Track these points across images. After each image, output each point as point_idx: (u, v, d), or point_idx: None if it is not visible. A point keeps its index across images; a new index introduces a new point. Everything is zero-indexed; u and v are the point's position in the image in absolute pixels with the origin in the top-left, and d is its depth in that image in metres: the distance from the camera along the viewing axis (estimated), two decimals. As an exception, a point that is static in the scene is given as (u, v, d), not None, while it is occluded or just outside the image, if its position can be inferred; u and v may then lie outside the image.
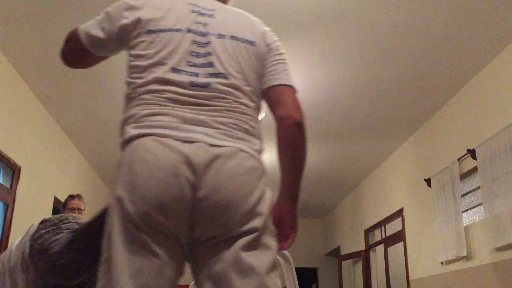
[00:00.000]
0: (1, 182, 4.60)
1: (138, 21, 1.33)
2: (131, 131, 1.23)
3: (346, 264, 9.12)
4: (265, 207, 1.24)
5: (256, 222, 1.21)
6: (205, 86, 1.26)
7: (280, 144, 1.35)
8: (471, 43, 4.11)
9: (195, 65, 1.28)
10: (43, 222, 1.92)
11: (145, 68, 1.29)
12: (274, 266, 1.22)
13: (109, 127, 6.13)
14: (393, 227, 6.87)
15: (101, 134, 6.38)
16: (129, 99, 1.30)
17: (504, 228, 3.93)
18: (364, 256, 7.99)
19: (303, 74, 4.65)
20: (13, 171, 4.82)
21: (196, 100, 1.25)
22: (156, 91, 1.25)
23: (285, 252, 2.52)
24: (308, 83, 4.81)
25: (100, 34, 1.39)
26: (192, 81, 1.26)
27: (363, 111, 5.39)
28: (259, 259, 1.19)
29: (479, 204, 4.61)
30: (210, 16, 1.36)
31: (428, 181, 5.49)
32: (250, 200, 1.20)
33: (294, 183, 1.35)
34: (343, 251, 9.21)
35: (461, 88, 4.89)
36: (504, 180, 3.99)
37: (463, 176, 4.88)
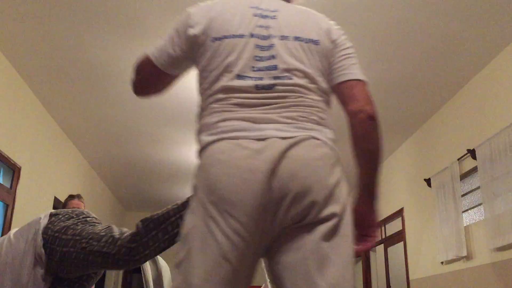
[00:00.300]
0: (1, 182, 4.60)
1: (203, 30, 1.34)
2: (205, 138, 1.27)
3: (346, 264, 9.10)
4: (343, 195, 1.24)
5: (335, 208, 1.21)
6: (270, 88, 1.28)
7: (353, 139, 1.34)
8: (471, 43, 4.11)
9: (259, 70, 1.30)
10: (54, 215, 1.96)
11: (212, 78, 1.31)
12: (351, 256, 1.22)
13: (109, 127, 6.13)
14: (393, 227, 6.87)
15: (101, 134, 6.38)
16: (201, 109, 1.34)
17: (504, 228, 3.93)
18: (364, 256, 7.99)
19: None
20: (13, 171, 4.82)
21: (263, 101, 1.27)
22: (224, 99, 1.28)
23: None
24: (308, 83, 4.81)
25: (172, 50, 1.39)
26: (257, 85, 1.28)
27: (363, 111, 5.38)
28: (338, 250, 1.19)
29: (479, 204, 4.61)
30: (273, 17, 1.36)
31: (428, 181, 5.49)
32: (326, 185, 1.21)
33: (372, 179, 1.33)
34: (343, 251, 9.20)
35: (461, 88, 4.89)
36: (504, 180, 3.99)
37: (463, 176, 4.87)
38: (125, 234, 1.87)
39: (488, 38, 4.05)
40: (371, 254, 7.90)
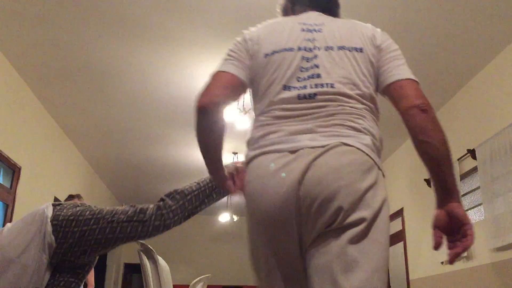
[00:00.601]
0: (1, 182, 4.61)
1: (256, 44, 1.43)
2: (249, 153, 1.36)
3: (346, 264, 9.09)
4: (375, 200, 1.23)
5: (364, 213, 1.20)
6: (311, 97, 1.33)
7: (411, 137, 1.31)
8: (471, 43, 4.11)
9: (303, 79, 1.35)
10: (58, 205, 2.03)
11: (262, 92, 1.39)
12: (382, 262, 1.20)
13: (109, 127, 6.13)
14: (393, 227, 6.87)
15: (101, 134, 6.38)
16: (252, 122, 1.42)
17: (504, 228, 3.93)
18: (364, 256, 7.97)
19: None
20: (13, 171, 4.82)
21: (303, 111, 1.32)
22: (268, 111, 1.35)
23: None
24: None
25: (236, 54, 1.45)
26: (299, 94, 1.33)
27: (363, 111, 5.39)
28: (367, 254, 1.18)
29: (479, 204, 4.61)
30: (318, 31, 1.44)
31: (428, 181, 5.48)
32: (354, 190, 1.20)
33: (444, 175, 1.27)
34: (343, 251, 9.20)
35: (461, 88, 4.89)
36: (504, 180, 4.00)
37: (463, 176, 4.88)
38: (151, 205, 2.05)
39: (488, 38, 4.04)
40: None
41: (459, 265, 4.79)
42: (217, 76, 1.42)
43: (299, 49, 1.39)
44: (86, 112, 5.66)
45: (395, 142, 6.39)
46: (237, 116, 4.94)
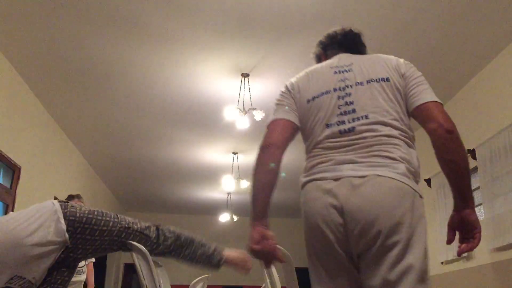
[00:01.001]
0: (1, 182, 4.61)
1: (299, 93, 1.67)
2: (302, 179, 1.59)
3: (346, 264, 9.08)
4: (413, 222, 1.41)
5: (401, 236, 1.38)
6: (350, 131, 1.54)
7: (436, 153, 1.50)
8: (471, 43, 4.11)
9: (341, 115, 1.57)
10: (65, 202, 2.06)
11: (309, 131, 1.63)
12: (419, 271, 1.37)
13: (109, 127, 6.13)
14: (393, 227, 6.87)
15: (101, 134, 6.38)
16: (306, 154, 1.64)
17: (504, 228, 3.93)
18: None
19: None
20: (13, 171, 4.82)
21: (345, 143, 1.53)
22: (317, 144, 1.59)
23: (285, 251, 2.52)
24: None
25: (286, 104, 1.68)
26: (340, 130, 1.55)
27: (363, 111, 5.39)
28: (404, 274, 1.35)
29: (479, 204, 4.61)
30: (349, 70, 1.65)
31: (428, 181, 5.49)
32: (392, 215, 1.39)
33: (462, 185, 1.50)
34: (343, 251, 9.19)
35: (461, 88, 4.89)
36: (504, 180, 4.00)
37: (463, 176, 4.87)
38: (152, 227, 2.20)
39: (488, 38, 4.05)
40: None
41: (459, 265, 4.79)
42: (274, 123, 1.67)
43: (335, 90, 1.60)
44: (86, 112, 5.66)
45: (395, 142, 6.38)
46: (237, 116, 4.93)
